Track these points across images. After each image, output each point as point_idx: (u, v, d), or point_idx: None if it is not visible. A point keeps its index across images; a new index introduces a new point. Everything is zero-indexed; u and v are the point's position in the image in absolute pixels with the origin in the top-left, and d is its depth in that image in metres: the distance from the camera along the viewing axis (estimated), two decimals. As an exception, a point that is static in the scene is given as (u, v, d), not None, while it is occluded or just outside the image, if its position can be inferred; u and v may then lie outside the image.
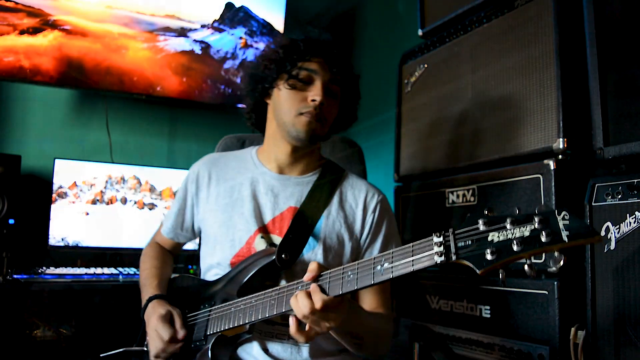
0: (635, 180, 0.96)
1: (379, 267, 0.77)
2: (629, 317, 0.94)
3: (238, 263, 1.04)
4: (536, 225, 0.63)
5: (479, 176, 1.32)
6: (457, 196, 1.38)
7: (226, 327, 0.96)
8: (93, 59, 1.97)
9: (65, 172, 1.84)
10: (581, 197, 1.04)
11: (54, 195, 1.81)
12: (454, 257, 0.68)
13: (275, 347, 1.00)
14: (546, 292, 1.11)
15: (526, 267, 0.63)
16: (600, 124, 1.03)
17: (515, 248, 0.63)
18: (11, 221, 1.63)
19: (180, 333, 0.99)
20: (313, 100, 1.03)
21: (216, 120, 2.32)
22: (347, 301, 0.85)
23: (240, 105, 1.08)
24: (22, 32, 1.86)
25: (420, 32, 1.61)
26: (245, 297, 0.96)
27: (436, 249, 0.69)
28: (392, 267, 0.75)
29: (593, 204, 1.02)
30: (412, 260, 0.73)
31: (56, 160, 1.83)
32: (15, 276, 1.51)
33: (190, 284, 1.14)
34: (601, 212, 1.00)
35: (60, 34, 1.92)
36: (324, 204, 1.09)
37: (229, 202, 1.10)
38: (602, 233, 1.00)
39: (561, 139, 1.13)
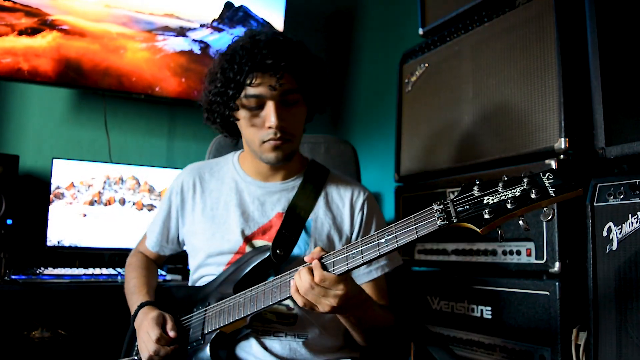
0: (637, 180, 0.95)
1: (383, 240, 0.79)
2: (631, 318, 0.93)
3: (231, 263, 1.04)
4: (525, 186, 0.70)
5: (480, 176, 1.31)
6: (458, 196, 1.37)
7: (226, 322, 0.95)
8: (91, 60, 1.95)
9: (63, 172, 1.83)
10: (583, 197, 1.03)
11: (51, 196, 1.80)
12: (455, 220, 0.73)
13: (273, 345, 1.00)
14: (547, 293, 1.11)
15: (521, 222, 0.71)
16: (602, 124, 1.02)
17: (509, 206, 0.70)
18: (9, 221, 1.62)
19: (171, 333, 0.97)
20: (270, 127, 0.98)
21: (215, 120, 2.31)
22: (351, 281, 0.85)
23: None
24: (20, 33, 1.85)
25: (420, 31, 1.60)
26: (243, 291, 0.95)
27: (437, 215, 0.74)
28: (396, 236, 0.78)
29: (595, 204, 1.01)
30: (416, 228, 0.76)
31: (54, 160, 1.82)
32: (13, 277, 1.50)
33: (180, 290, 1.12)
34: (603, 213, 0.99)
35: (59, 34, 1.90)
36: (311, 206, 1.08)
37: (215, 214, 1.09)
38: (604, 234, 0.99)
39: (563, 139, 1.12)
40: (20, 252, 1.80)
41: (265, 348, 0.99)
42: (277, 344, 1.00)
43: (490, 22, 1.34)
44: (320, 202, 1.10)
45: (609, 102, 1.02)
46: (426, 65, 1.55)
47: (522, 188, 0.70)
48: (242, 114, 1.02)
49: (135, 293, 1.09)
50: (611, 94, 1.02)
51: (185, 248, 1.18)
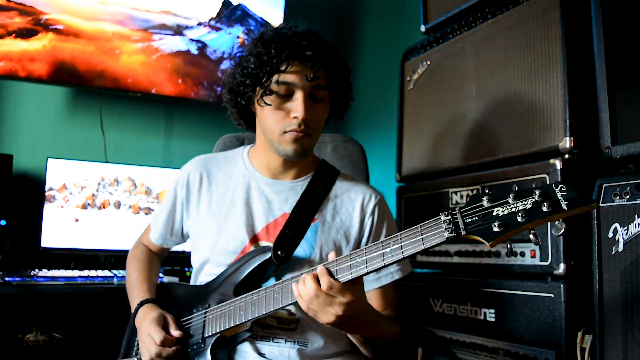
0: (644, 180, 0.93)
1: (388, 249, 0.78)
2: (638, 320, 0.92)
3: (231, 264, 1.02)
4: (537, 198, 0.68)
5: (484, 176, 1.30)
6: (461, 196, 1.35)
7: (226, 327, 0.94)
8: (87, 63, 1.93)
9: (58, 172, 1.80)
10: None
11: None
12: (463, 232, 0.72)
13: (271, 350, 0.98)
14: (552, 296, 1.09)
15: (531, 236, 0.70)
16: (608, 123, 1.01)
17: (519, 219, 0.68)
18: (3, 222, 1.60)
19: (175, 333, 0.96)
20: (295, 117, 0.97)
21: (213, 119, 2.29)
22: (358, 290, 0.83)
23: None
24: (16, 36, 1.82)
25: (423, 28, 1.59)
26: (244, 295, 0.94)
27: (445, 226, 0.73)
28: (401, 246, 0.77)
29: (600, 204, 0.99)
30: (422, 239, 0.75)
31: (49, 160, 1.80)
32: (7, 279, 1.48)
33: (180, 289, 1.11)
34: (609, 213, 0.98)
35: (54, 36, 1.87)
36: (319, 208, 1.06)
37: (221, 210, 1.07)
38: (610, 235, 0.98)
39: (568, 138, 1.11)
40: (14, 253, 1.78)
41: (260, 353, 0.98)
42: (275, 349, 0.98)
43: (493, 19, 1.32)
44: (329, 204, 1.08)
45: (615, 100, 1.01)
46: (428, 62, 1.53)
47: (534, 200, 0.68)
48: (265, 101, 0.99)
49: (135, 288, 1.08)
50: (617, 92, 1.01)
51: (189, 242, 1.16)
